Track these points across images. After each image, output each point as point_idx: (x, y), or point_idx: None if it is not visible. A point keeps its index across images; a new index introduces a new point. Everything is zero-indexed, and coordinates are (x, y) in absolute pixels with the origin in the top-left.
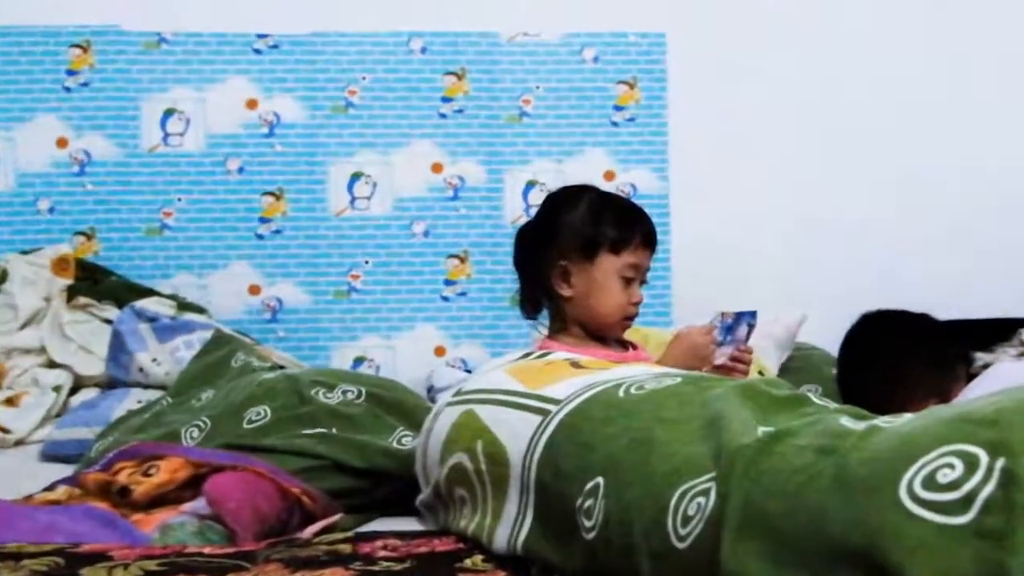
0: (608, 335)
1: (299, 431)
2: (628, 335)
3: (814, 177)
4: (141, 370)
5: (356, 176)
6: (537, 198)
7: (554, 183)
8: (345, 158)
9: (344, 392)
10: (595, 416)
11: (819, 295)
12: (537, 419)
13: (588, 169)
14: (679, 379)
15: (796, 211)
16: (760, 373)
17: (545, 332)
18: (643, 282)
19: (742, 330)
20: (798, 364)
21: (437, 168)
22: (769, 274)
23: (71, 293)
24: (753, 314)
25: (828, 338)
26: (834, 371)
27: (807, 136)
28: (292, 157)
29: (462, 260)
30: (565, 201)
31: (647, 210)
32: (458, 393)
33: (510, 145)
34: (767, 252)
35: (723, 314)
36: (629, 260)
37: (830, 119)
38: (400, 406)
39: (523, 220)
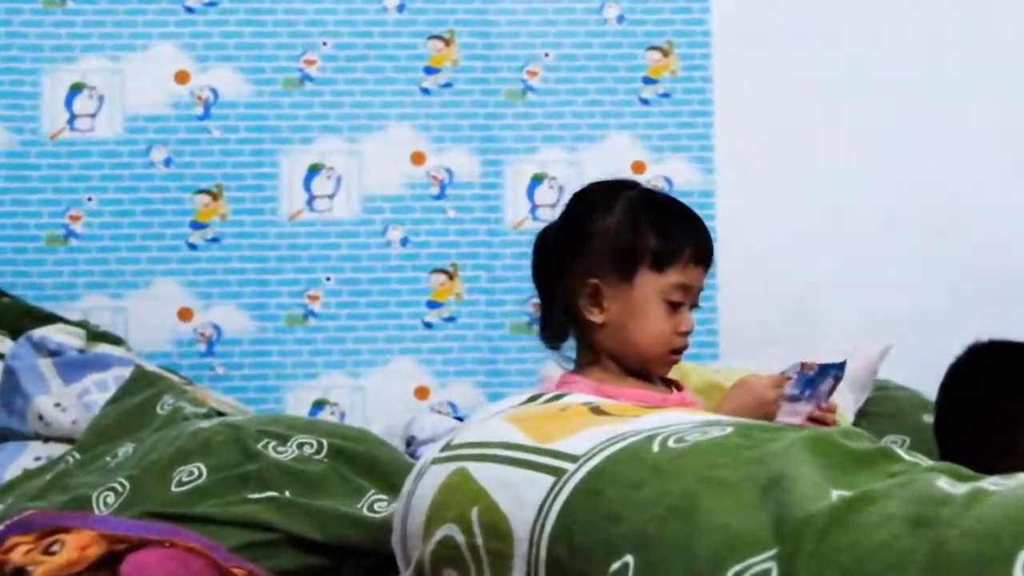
0: (649, 370)
1: (243, 495)
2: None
3: (902, 167)
4: (41, 418)
5: (315, 169)
6: (546, 196)
7: (567, 178)
8: (301, 146)
9: (300, 445)
10: (622, 477)
11: (906, 319)
12: (548, 480)
13: (611, 159)
14: (730, 429)
15: (878, 211)
16: None
17: (568, 365)
18: (694, 306)
19: (826, 384)
20: (880, 408)
21: (418, 158)
22: (840, 292)
23: None
24: (841, 366)
25: (918, 375)
26: (928, 418)
27: (897, 115)
28: (233, 145)
29: (450, 276)
30: (597, 201)
31: None
32: (447, 447)
33: (511, 129)
34: (838, 265)
35: (804, 365)
36: (677, 279)
37: (930, 91)
38: (372, 463)
39: (527, 224)
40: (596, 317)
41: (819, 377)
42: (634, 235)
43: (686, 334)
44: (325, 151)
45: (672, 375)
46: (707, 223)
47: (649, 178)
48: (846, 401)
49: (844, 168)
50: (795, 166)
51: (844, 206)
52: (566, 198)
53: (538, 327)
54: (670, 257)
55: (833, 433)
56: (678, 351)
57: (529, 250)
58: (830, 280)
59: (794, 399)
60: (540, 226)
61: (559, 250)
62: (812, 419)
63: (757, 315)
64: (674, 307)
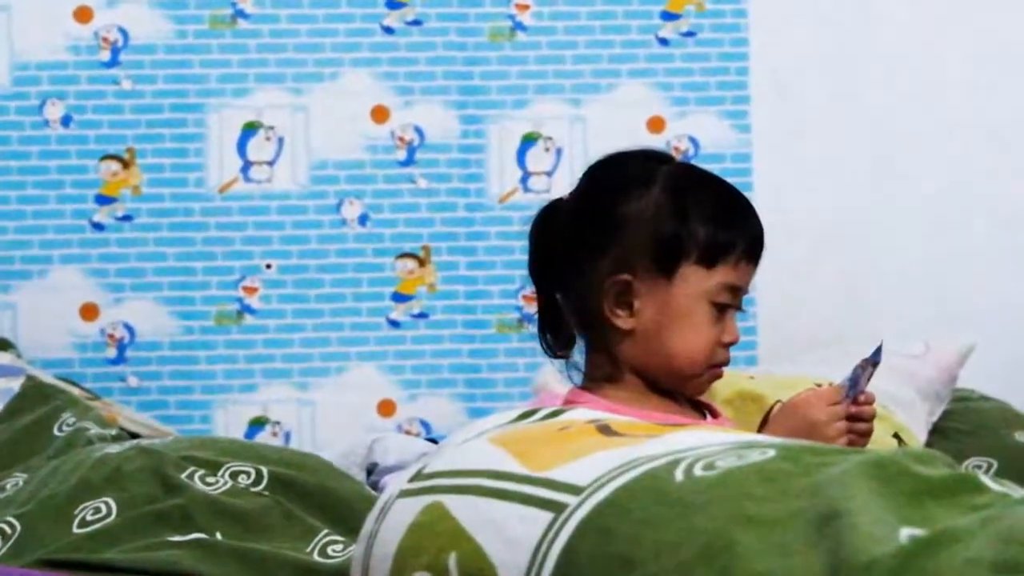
0: (684, 390)
1: (163, 537)
2: None
3: (986, 128)
4: None
5: (251, 128)
6: (540, 161)
7: (567, 138)
8: (234, 100)
9: (235, 475)
10: (638, 512)
11: (992, 314)
12: (545, 517)
13: (621, 114)
14: (772, 452)
15: (954, 182)
16: (896, 437)
17: (575, 379)
18: (739, 310)
19: (866, 374)
20: (960, 424)
21: (380, 114)
22: (907, 281)
23: None
24: (879, 348)
25: (1007, 382)
26: (1020, 436)
27: (974, 56)
28: (149, 99)
29: (421, 262)
30: (629, 176)
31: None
32: (418, 476)
33: (496, 77)
34: (904, 248)
35: (856, 367)
36: (727, 278)
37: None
38: (324, 496)
39: (517, 197)
40: (624, 322)
41: (861, 370)
42: (680, 222)
43: (730, 345)
44: (264, 106)
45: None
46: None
47: (669, 139)
48: (917, 415)
49: (914, 130)
50: (851, 124)
51: (912, 175)
52: (566, 164)
53: (537, 330)
54: (723, 251)
55: (901, 455)
56: (721, 365)
57: (519, 229)
58: (894, 266)
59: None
60: (531, 200)
61: (578, 236)
62: (848, 417)
63: (803, 309)
64: (720, 311)
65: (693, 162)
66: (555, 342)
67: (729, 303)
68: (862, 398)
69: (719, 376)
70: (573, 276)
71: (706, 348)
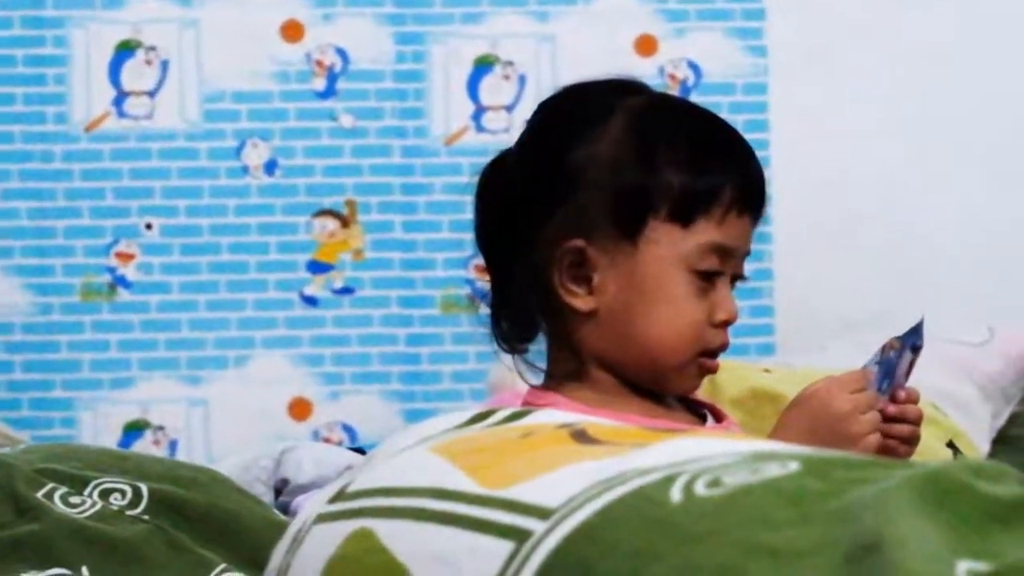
0: (667, 387)
1: (14, 574)
2: None
3: None
4: None
5: (127, 49)
6: (498, 92)
7: (532, 63)
8: (105, 12)
9: (106, 493)
10: (623, 542)
11: None
12: (505, 548)
13: (602, 31)
14: (795, 465)
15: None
16: (951, 446)
17: (533, 378)
18: (738, 278)
19: (904, 363)
20: None
21: (292, 31)
22: (964, 251)
23: None
24: (918, 328)
25: None
26: None
27: None
28: None
29: (345, 222)
30: (581, 115)
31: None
32: (341, 496)
33: None
34: (959, 208)
35: (884, 347)
36: (712, 238)
37: None
38: (220, 521)
39: (468, 138)
40: (582, 301)
41: (897, 356)
42: (644, 168)
43: (726, 324)
44: (142, 20)
45: (701, 389)
46: (756, 139)
47: (663, 64)
48: (977, 418)
49: (980, 50)
50: (897, 45)
51: (974, 110)
52: (530, 96)
53: (489, 315)
54: (702, 202)
55: (958, 469)
56: (714, 353)
57: (470, 180)
58: (950, 231)
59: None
60: (486, 142)
61: (521, 193)
62: (887, 418)
63: (833, 284)
64: (707, 281)
65: (694, 95)
66: (512, 332)
67: (719, 269)
68: (902, 394)
69: (712, 369)
70: (523, 246)
71: (689, 330)
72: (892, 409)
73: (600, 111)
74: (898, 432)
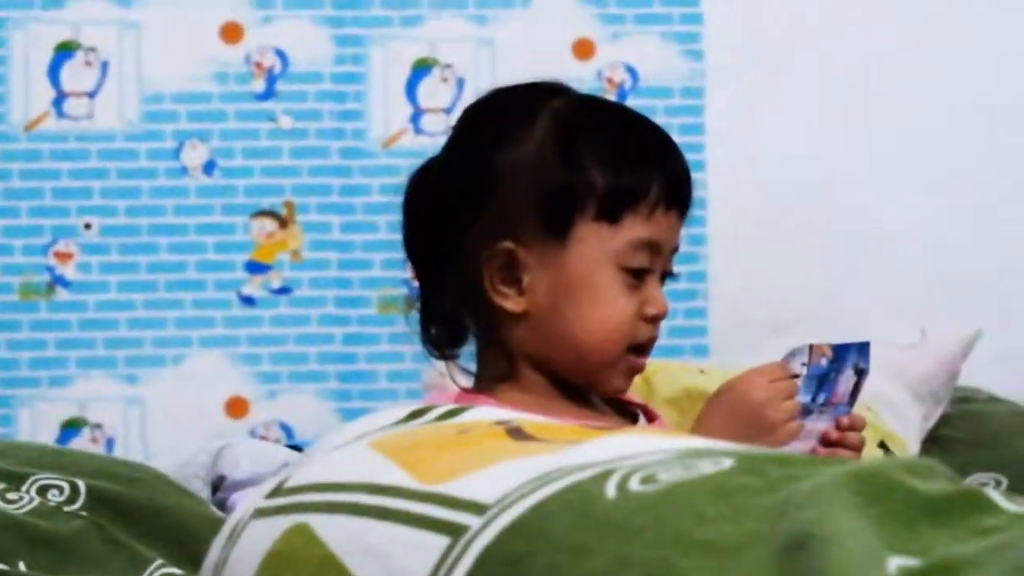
0: (597, 387)
1: None
2: None
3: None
4: None
5: (67, 49)
6: (437, 94)
7: (471, 65)
8: (44, 12)
9: (43, 490)
10: (558, 538)
11: (1003, 296)
12: (440, 543)
13: (539, 35)
14: (729, 462)
15: (960, 125)
16: (882, 447)
17: (465, 381)
18: (667, 275)
19: (845, 379)
20: (963, 431)
21: (232, 33)
22: (899, 251)
23: None
24: (863, 348)
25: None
26: None
27: None
28: None
29: (283, 223)
30: (506, 118)
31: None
32: (278, 491)
33: None
34: (896, 208)
35: (812, 348)
36: (640, 234)
37: None
38: (157, 517)
39: (406, 140)
40: (512, 302)
41: (834, 370)
42: (570, 167)
43: (656, 320)
44: (82, 20)
45: (636, 390)
46: (692, 143)
47: (600, 68)
48: (909, 420)
49: (915, 57)
50: (833, 50)
51: (910, 115)
52: (469, 99)
53: (418, 321)
54: (629, 198)
55: (890, 467)
56: (643, 348)
57: (403, 183)
58: (884, 233)
59: (803, 412)
60: (424, 144)
61: (449, 197)
62: (827, 443)
63: (768, 285)
64: (637, 278)
65: (631, 98)
66: (441, 337)
67: (647, 266)
68: (846, 421)
69: (639, 368)
70: (452, 250)
71: (618, 326)
72: (834, 435)
73: (525, 114)
74: (842, 453)
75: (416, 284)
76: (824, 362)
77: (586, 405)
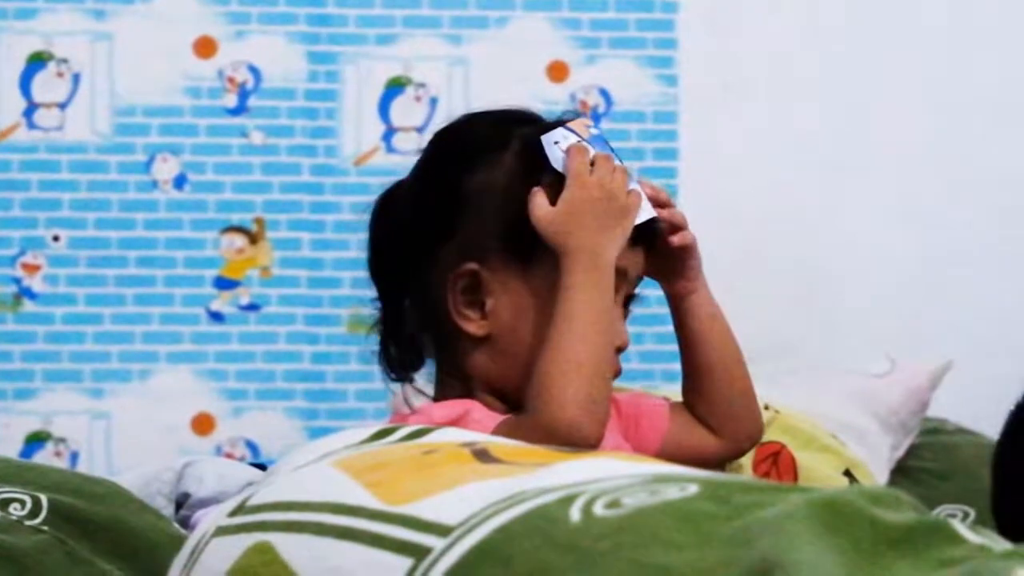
0: None
1: None
2: None
3: (970, 80)
4: None
5: (38, 60)
6: (409, 113)
7: (444, 84)
8: (17, 22)
9: (4, 504)
10: (523, 560)
11: (974, 324)
12: (403, 565)
13: (513, 57)
14: (693, 487)
15: (932, 153)
16: (848, 475)
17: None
18: (630, 299)
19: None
20: (931, 462)
21: (205, 47)
22: (869, 279)
23: None
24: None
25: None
26: None
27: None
28: None
29: (253, 239)
30: (475, 143)
31: (639, 159)
32: (241, 509)
33: (355, 4)
34: (865, 235)
35: (574, 129)
36: None
37: None
38: (119, 533)
39: (378, 158)
40: (475, 326)
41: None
42: None
43: (619, 352)
44: (54, 32)
45: None
46: (664, 167)
47: (574, 91)
48: (876, 450)
49: (887, 85)
50: (807, 77)
51: (886, 143)
52: (441, 118)
53: (379, 345)
54: None
55: (857, 495)
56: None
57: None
58: (852, 265)
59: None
60: (396, 163)
61: (415, 220)
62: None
63: (736, 316)
64: None
65: (604, 122)
66: (400, 359)
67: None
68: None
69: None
70: (415, 272)
71: None
72: (662, 196)
73: (495, 140)
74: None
75: (379, 304)
76: (595, 130)
77: None
